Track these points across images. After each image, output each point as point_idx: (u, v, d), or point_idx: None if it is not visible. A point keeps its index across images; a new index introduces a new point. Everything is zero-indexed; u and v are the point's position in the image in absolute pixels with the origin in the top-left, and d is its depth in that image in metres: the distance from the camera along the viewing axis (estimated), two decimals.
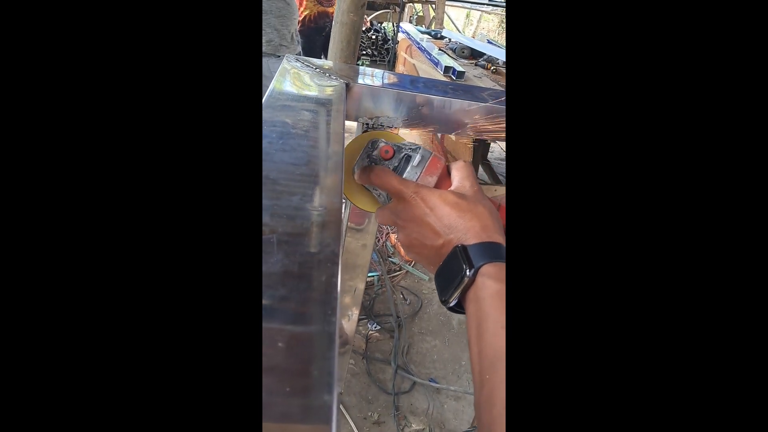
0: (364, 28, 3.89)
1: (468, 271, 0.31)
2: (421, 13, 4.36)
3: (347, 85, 0.47)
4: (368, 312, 1.65)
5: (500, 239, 0.34)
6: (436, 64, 1.95)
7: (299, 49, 1.94)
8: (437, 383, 1.43)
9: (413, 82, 0.54)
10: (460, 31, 3.99)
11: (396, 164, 0.41)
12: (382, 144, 0.41)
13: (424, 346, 1.59)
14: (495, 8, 4.31)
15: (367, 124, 0.51)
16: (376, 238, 2.04)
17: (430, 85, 0.54)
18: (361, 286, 0.77)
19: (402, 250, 0.42)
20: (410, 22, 4.22)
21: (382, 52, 3.78)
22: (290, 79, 0.46)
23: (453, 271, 0.33)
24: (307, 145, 0.32)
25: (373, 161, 0.42)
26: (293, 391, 0.16)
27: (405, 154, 0.41)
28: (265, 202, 0.25)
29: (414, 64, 2.19)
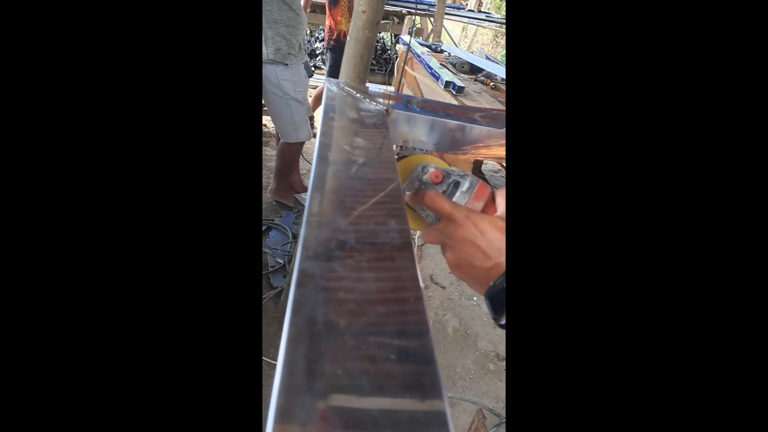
0: None
1: None
2: (419, 26, 4.43)
3: (386, 110, 0.51)
4: None
5: None
6: (437, 78, 2.01)
7: (306, 58, 1.98)
8: None
9: (445, 109, 0.59)
10: (456, 44, 4.07)
11: (445, 189, 0.45)
12: (432, 169, 0.46)
13: None
14: (491, 23, 4.42)
15: (400, 146, 0.55)
16: None
17: (461, 112, 0.59)
18: None
19: (450, 268, 0.45)
20: (409, 33, 4.29)
21: (381, 62, 3.83)
22: (341, 104, 0.50)
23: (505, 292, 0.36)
24: (369, 172, 0.36)
25: (423, 184, 0.46)
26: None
27: (453, 180, 0.45)
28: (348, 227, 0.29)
29: (415, 77, 2.25)
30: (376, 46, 3.93)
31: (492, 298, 0.39)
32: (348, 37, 1.20)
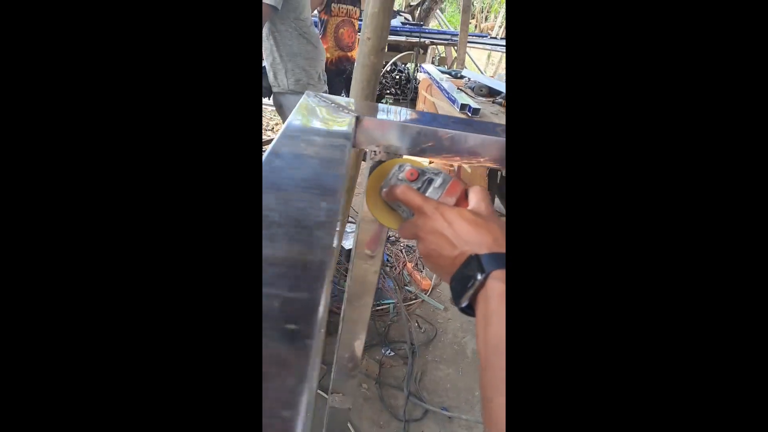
0: (388, 69, 4.08)
1: (479, 275, 0.37)
2: (443, 54, 4.54)
3: (357, 118, 0.55)
4: (383, 338, 1.67)
5: None
6: (453, 101, 2.05)
7: (325, 87, 2.08)
8: (449, 412, 1.43)
9: (422, 116, 0.61)
10: (481, 72, 4.13)
11: (420, 185, 0.47)
12: (408, 167, 0.48)
13: (437, 374, 1.59)
14: None
15: (374, 152, 0.58)
16: (394, 266, 2.08)
17: (433, 119, 0.61)
18: (368, 311, 0.81)
19: (424, 263, 0.46)
20: (433, 62, 4.41)
21: (405, 91, 3.93)
22: (309, 113, 0.54)
23: (467, 276, 0.38)
24: (315, 164, 0.39)
25: (399, 182, 0.49)
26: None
27: (428, 177, 0.48)
28: (278, 207, 0.31)
29: (433, 102, 2.30)
30: (400, 76, 4.05)
31: (452, 284, 0.40)
32: (355, 64, 1.26)
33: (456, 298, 0.39)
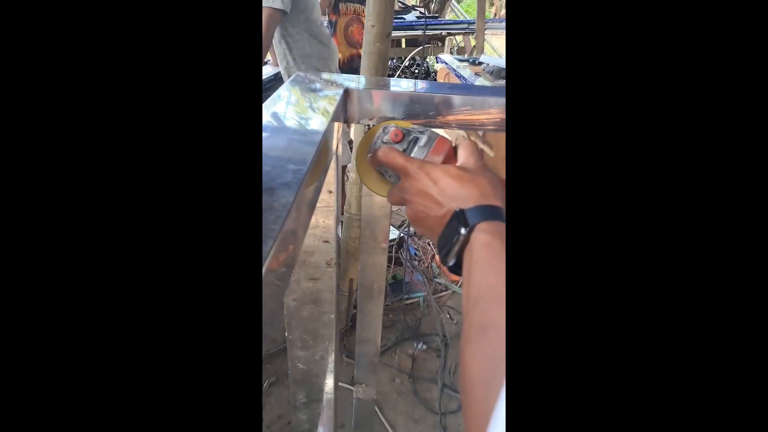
0: (407, 64, 4.06)
1: (463, 230, 0.34)
2: (462, 44, 4.47)
3: (346, 90, 0.53)
4: (414, 332, 1.64)
5: (499, 204, 0.36)
6: None
7: None
8: None
9: (414, 84, 0.59)
10: (500, 57, 4.03)
11: (405, 147, 0.44)
12: (392, 128, 0.45)
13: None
14: None
15: (368, 125, 0.56)
16: (422, 260, 2.05)
17: (430, 86, 0.58)
18: (380, 303, 0.79)
19: (415, 227, 0.44)
20: (451, 53, 4.34)
21: None
22: (299, 88, 0.52)
23: (451, 232, 0.35)
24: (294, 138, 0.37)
25: (383, 145, 0.45)
26: None
27: (414, 136, 0.44)
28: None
29: None
30: (419, 70, 4.01)
31: (439, 243, 0.38)
32: (362, 53, 1.25)
33: (443, 258, 0.36)
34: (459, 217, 0.35)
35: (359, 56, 2.69)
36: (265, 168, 0.31)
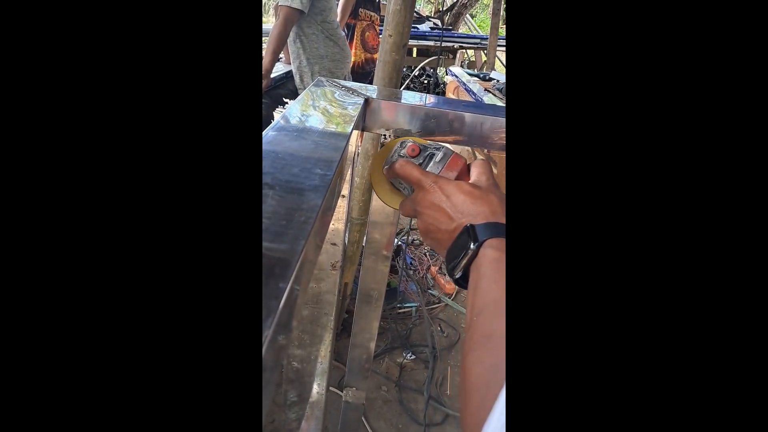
0: (416, 74, 4.09)
1: (473, 244, 0.35)
2: (473, 58, 4.51)
3: (366, 100, 0.54)
4: (404, 341, 1.65)
5: None
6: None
7: None
8: None
9: (436, 100, 0.60)
10: None
11: (421, 161, 0.46)
12: (409, 143, 0.47)
13: (459, 379, 1.55)
14: None
15: (384, 136, 0.57)
16: (417, 270, 2.06)
17: (446, 102, 0.60)
18: (379, 309, 0.80)
19: (422, 238, 0.46)
20: (461, 66, 4.38)
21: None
22: (321, 94, 0.54)
23: (460, 246, 0.37)
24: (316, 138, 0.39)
25: (400, 159, 0.48)
26: None
27: (429, 152, 0.47)
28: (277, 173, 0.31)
29: None
30: (429, 81, 4.04)
31: (448, 256, 0.39)
32: (377, 61, 1.27)
33: (450, 270, 0.37)
34: (469, 232, 0.36)
35: (373, 61, 2.72)
36: (293, 170, 0.32)
